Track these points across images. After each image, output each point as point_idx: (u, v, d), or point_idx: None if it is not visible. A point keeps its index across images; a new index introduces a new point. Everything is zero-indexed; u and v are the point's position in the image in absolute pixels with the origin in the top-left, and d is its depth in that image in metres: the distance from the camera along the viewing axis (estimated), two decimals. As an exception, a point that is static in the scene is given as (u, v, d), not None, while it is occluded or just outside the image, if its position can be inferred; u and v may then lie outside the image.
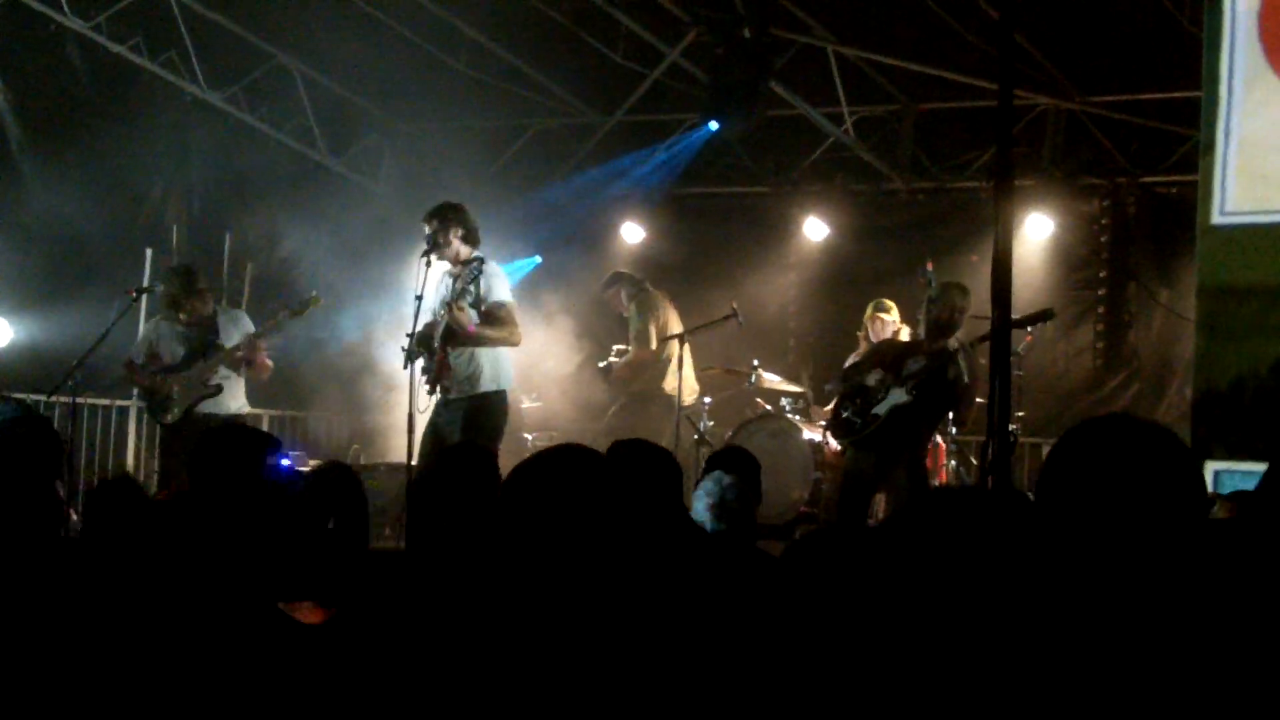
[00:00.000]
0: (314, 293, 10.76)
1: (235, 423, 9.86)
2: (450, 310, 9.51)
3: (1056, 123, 13.61)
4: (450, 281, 9.79)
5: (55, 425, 12.49)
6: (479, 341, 9.63)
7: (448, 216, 9.77)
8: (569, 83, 14.70)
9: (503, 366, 9.80)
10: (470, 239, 9.80)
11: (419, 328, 9.64)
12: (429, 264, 9.63)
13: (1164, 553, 2.79)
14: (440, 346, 9.61)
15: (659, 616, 3.19)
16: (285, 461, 7.56)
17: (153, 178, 14.26)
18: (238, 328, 10.53)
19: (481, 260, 9.70)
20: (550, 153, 15.45)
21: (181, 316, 10.51)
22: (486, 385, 9.70)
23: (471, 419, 9.60)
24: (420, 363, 9.68)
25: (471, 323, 9.56)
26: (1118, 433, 2.93)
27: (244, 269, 14.49)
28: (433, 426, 9.75)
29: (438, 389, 9.71)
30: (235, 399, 10.54)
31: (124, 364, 10.67)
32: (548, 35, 13.48)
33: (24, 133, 13.55)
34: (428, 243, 9.71)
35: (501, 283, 9.78)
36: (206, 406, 10.34)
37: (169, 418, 10.44)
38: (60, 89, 13.74)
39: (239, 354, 10.38)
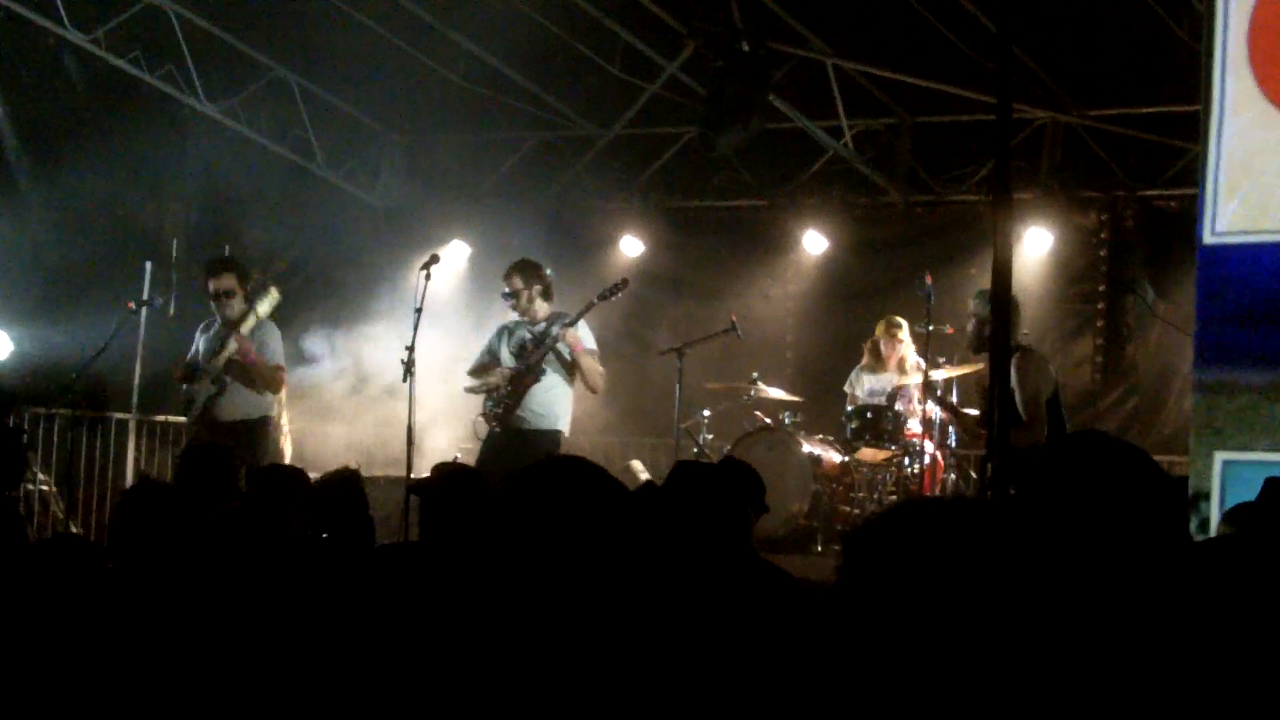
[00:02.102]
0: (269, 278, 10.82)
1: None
2: (565, 333, 10.14)
3: (1054, 136, 13.62)
4: (528, 333, 10.40)
5: (55, 438, 12.58)
6: (582, 363, 10.20)
7: (529, 274, 10.43)
8: (566, 95, 14.70)
9: (568, 410, 10.41)
10: (547, 295, 10.49)
11: (509, 369, 10.33)
12: (428, 276, 9.84)
13: (1138, 565, 2.81)
14: (529, 375, 10.21)
15: (655, 625, 3.18)
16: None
17: (151, 190, 14.27)
18: (252, 330, 10.46)
19: (564, 314, 10.35)
20: (548, 165, 15.45)
21: (223, 319, 10.48)
22: (554, 424, 10.31)
23: (546, 451, 9.92)
24: (483, 390, 10.45)
25: (580, 342, 10.21)
26: (1094, 449, 2.97)
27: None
28: (494, 453, 10.18)
29: (502, 422, 10.29)
30: (242, 406, 10.46)
31: (177, 365, 10.76)
32: (545, 48, 13.48)
33: (22, 145, 13.55)
34: (508, 299, 10.45)
35: (589, 333, 10.43)
36: (216, 411, 10.33)
37: (190, 415, 10.55)
38: (59, 102, 13.75)
39: (228, 355, 10.35)
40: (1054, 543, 2.85)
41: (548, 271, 10.62)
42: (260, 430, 10.44)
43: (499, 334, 10.65)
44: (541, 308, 10.47)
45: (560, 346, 10.26)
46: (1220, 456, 8.09)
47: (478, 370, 10.59)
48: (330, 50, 13.81)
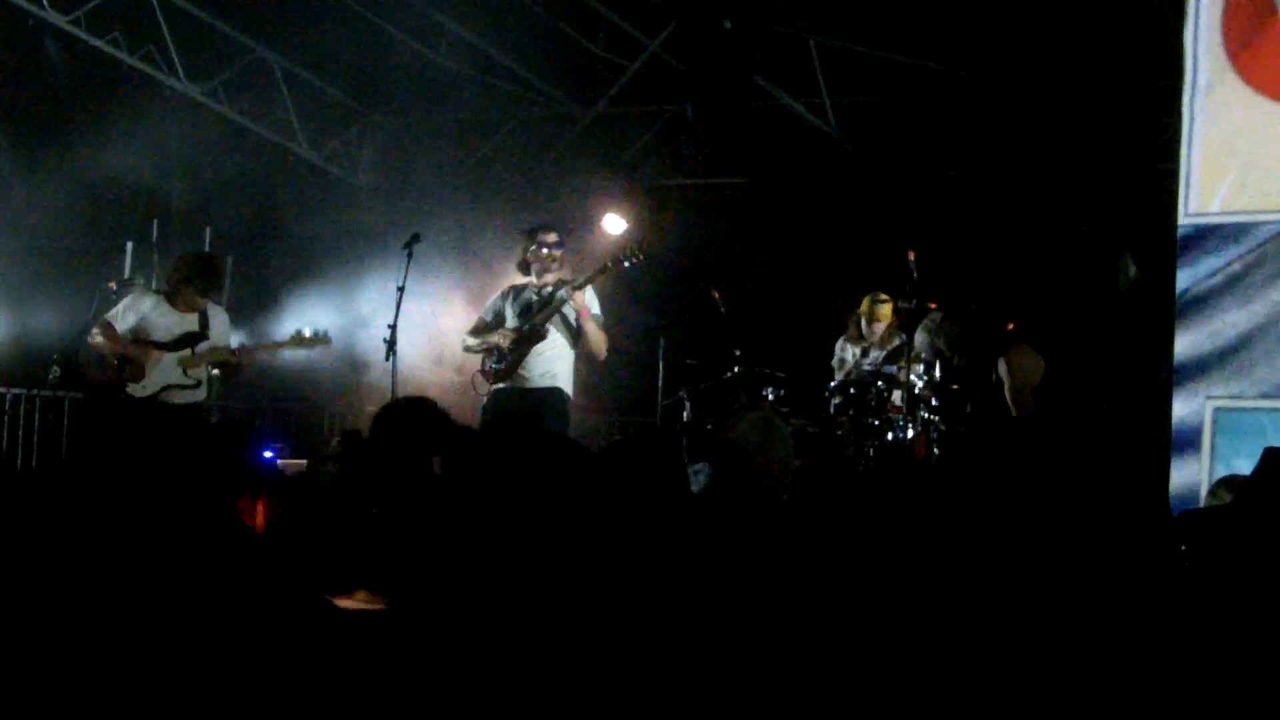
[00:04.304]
0: (326, 331, 10.70)
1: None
2: (572, 295, 9.97)
3: (1035, 109, 13.63)
4: (535, 295, 10.22)
5: (36, 419, 12.56)
6: (586, 327, 10.04)
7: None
8: (549, 74, 14.68)
9: (569, 372, 10.24)
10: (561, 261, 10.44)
11: (511, 330, 10.12)
12: (410, 254, 9.80)
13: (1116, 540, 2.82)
14: (533, 336, 10.04)
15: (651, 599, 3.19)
16: (268, 454, 7.56)
17: (132, 172, 14.21)
18: (222, 327, 10.41)
19: (571, 279, 10.19)
20: (531, 144, 15.44)
21: (180, 303, 10.32)
22: (555, 383, 10.12)
23: (554, 407, 10.05)
24: (493, 356, 10.17)
25: (587, 307, 10.03)
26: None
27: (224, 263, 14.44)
28: (499, 411, 10.04)
29: (504, 379, 10.11)
30: (201, 390, 10.43)
31: (101, 323, 10.17)
32: (527, 27, 13.46)
33: (3, 127, 13.52)
34: (551, 258, 10.24)
35: (595, 299, 10.25)
36: (178, 395, 10.17)
37: (142, 391, 10.15)
38: (39, 83, 13.71)
39: (233, 359, 10.27)
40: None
41: None
42: (200, 412, 10.51)
43: (504, 295, 10.44)
44: (554, 272, 10.35)
45: (567, 309, 10.07)
46: (1211, 404, 8.12)
47: (480, 329, 10.36)
48: (312, 31, 13.77)
